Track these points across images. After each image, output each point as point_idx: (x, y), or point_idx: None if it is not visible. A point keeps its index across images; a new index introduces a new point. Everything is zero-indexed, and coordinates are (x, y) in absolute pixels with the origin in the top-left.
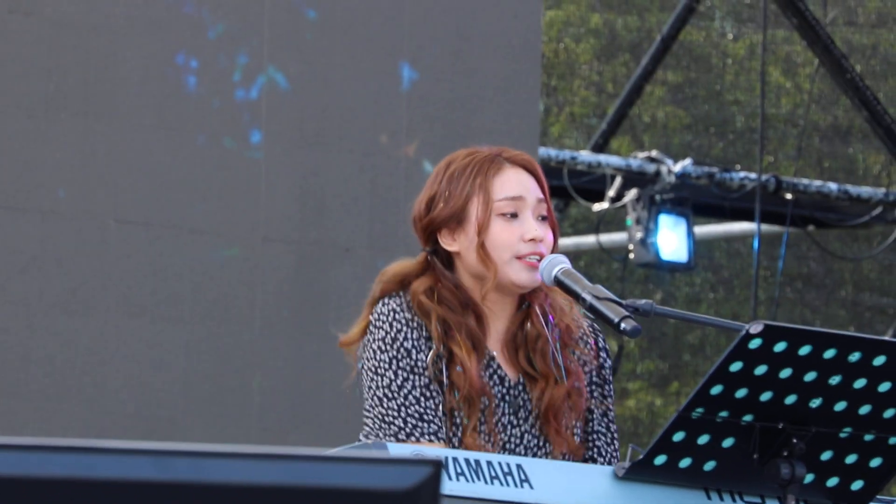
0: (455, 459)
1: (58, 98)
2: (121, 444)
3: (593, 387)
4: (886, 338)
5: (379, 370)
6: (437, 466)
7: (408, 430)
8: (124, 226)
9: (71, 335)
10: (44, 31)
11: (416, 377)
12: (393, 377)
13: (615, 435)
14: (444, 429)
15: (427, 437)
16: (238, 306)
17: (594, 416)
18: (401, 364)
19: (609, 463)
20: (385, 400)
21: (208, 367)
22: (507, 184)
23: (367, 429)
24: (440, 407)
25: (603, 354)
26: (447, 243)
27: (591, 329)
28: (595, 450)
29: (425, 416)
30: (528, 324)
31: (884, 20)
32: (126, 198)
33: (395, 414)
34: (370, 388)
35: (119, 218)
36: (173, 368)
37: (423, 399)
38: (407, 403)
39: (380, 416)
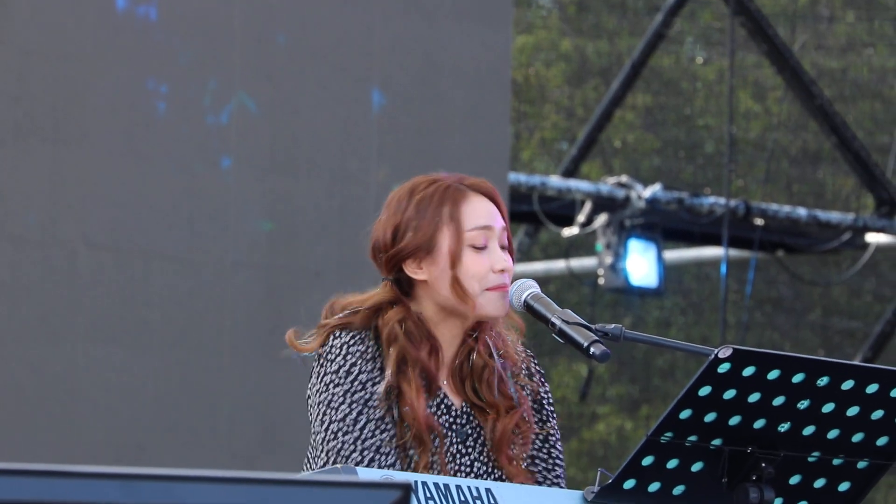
0: (424, 484)
1: (27, 124)
2: (88, 469)
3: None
4: (855, 362)
5: (332, 404)
6: (406, 490)
7: (365, 463)
8: (94, 252)
9: (40, 361)
10: (13, 58)
11: (371, 410)
12: (348, 410)
13: (557, 461)
14: (399, 462)
15: (386, 469)
16: (207, 332)
17: (535, 442)
18: (355, 397)
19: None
20: (340, 434)
21: (178, 393)
22: (476, 213)
23: (321, 463)
24: (393, 440)
25: (538, 379)
26: (413, 272)
27: (526, 355)
28: (538, 474)
29: (382, 449)
30: (475, 354)
31: (853, 45)
32: (95, 224)
33: (352, 447)
34: (323, 422)
35: (88, 244)
36: (143, 395)
37: (378, 432)
38: (363, 437)
39: (335, 450)
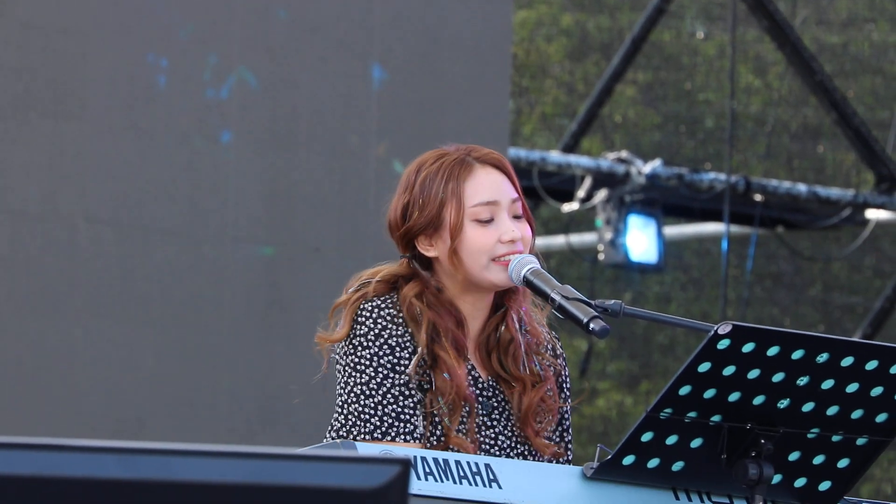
0: (423, 459)
1: (27, 99)
2: (87, 443)
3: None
4: (854, 338)
5: (359, 367)
6: (406, 466)
7: (384, 428)
8: (93, 226)
9: (39, 335)
10: (13, 32)
11: (397, 375)
12: (373, 374)
13: (569, 444)
14: (420, 428)
15: (402, 436)
16: (207, 307)
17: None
18: (382, 361)
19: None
20: (363, 397)
21: (177, 367)
22: (480, 188)
23: (338, 425)
24: (418, 406)
25: (561, 361)
26: (425, 249)
27: (551, 336)
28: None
29: (402, 416)
30: (503, 327)
31: (854, 20)
32: (95, 198)
33: (372, 412)
34: (347, 384)
35: (88, 218)
36: (142, 369)
37: (401, 398)
38: (385, 402)
39: (355, 414)
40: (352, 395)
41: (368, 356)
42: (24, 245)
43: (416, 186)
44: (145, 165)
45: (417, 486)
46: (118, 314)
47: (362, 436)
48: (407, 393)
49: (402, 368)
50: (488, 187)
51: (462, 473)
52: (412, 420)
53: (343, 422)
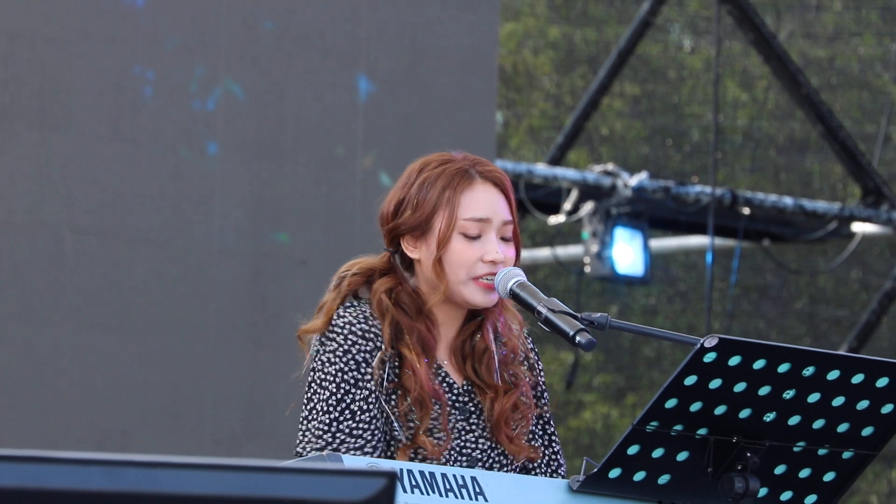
0: (410, 472)
1: (13, 109)
2: (72, 455)
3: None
4: (840, 352)
5: (324, 383)
6: (392, 479)
7: (335, 444)
8: (79, 236)
9: (25, 345)
10: None
11: (358, 391)
12: (334, 390)
13: (553, 438)
14: (374, 442)
15: (352, 452)
16: (192, 318)
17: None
18: (346, 377)
19: (548, 464)
20: (320, 413)
21: (162, 379)
22: (475, 203)
23: (297, 441)
24: (376, 420)
25: (537, 372)
26: (409, 250)
27: (528, 348)
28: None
29: (354, 432)
30: (478, 336)
31: (841, 34)
32: (81, 208)
33: (326, 428)
34: (311, 400)
35: (74, 229)
36: (127, 380)
37: (358, 412)
38: (341, 419)
39: (311, 430)
40: (312, 412)
41: (333, 372)
42: (9, 255)
43: (414, 185)
44: (131, 176)
45: (403, 498)
46: (104, 324)
47: (313, 452)
48: (365, 407)
49: (365, 384)
50: (484, 204)
51: (448, 486)
52: (364, 435)
53: (301, 438)
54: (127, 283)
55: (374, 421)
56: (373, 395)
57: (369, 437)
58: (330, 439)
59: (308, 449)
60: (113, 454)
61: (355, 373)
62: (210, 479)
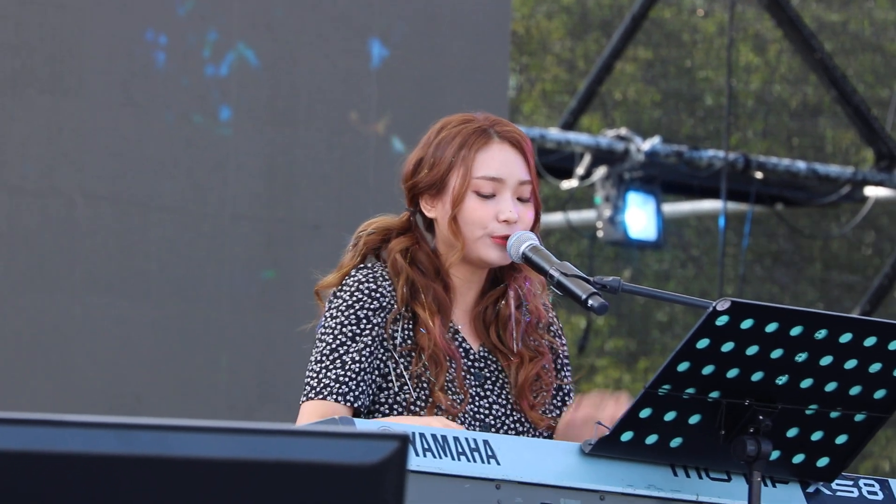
0: (422, 435)
1: (25, 75)
2: (84, 418)
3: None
4: (853, 315)
5: (324, 336)
6: (404, 441)
7: (318, 388)
8: (91, 202)
9: (37, 312)
10: (10, 7)
11: (353, 344)
12: (331, 341)
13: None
14: (358, 393)
15: (333, 396)
16: (206, 284)
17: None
18: (344, 330)
19: None
20: (314, 363)
21: (175, 344)
22: (491, 162)
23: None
24: (365, 374)
25: (560, 340)
26: (426, 209)
27: (553, 316)
28: (553, 421)
29: (341, 378)
30: (502, 302)
31: None
32: (93, 174)
33: (314, 375)
34: (312, 353)
35: (86, 195)
36: (140, 346)
37: (349, 363)
38: (331, 367)
39: (307, 380)
40: (310, 362)
41: (334, 325)
42: (22, 221)
43: (432, 144)
44: (144, 142)
45: (416, 462)
46: (116, 291)
47: (304, 398)
48: (357, 358)
49: (362, 338)
50: (498, 163)
51: (460, 450)
52: (349, 384)
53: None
54: (140, 248)
55: (363, 373)
56: (368, 350)
57: (353, 387)
58: (315, 384)
59: (303, 399)
60: (126, 418)
61: (354, 327)
62: (220, 443)
